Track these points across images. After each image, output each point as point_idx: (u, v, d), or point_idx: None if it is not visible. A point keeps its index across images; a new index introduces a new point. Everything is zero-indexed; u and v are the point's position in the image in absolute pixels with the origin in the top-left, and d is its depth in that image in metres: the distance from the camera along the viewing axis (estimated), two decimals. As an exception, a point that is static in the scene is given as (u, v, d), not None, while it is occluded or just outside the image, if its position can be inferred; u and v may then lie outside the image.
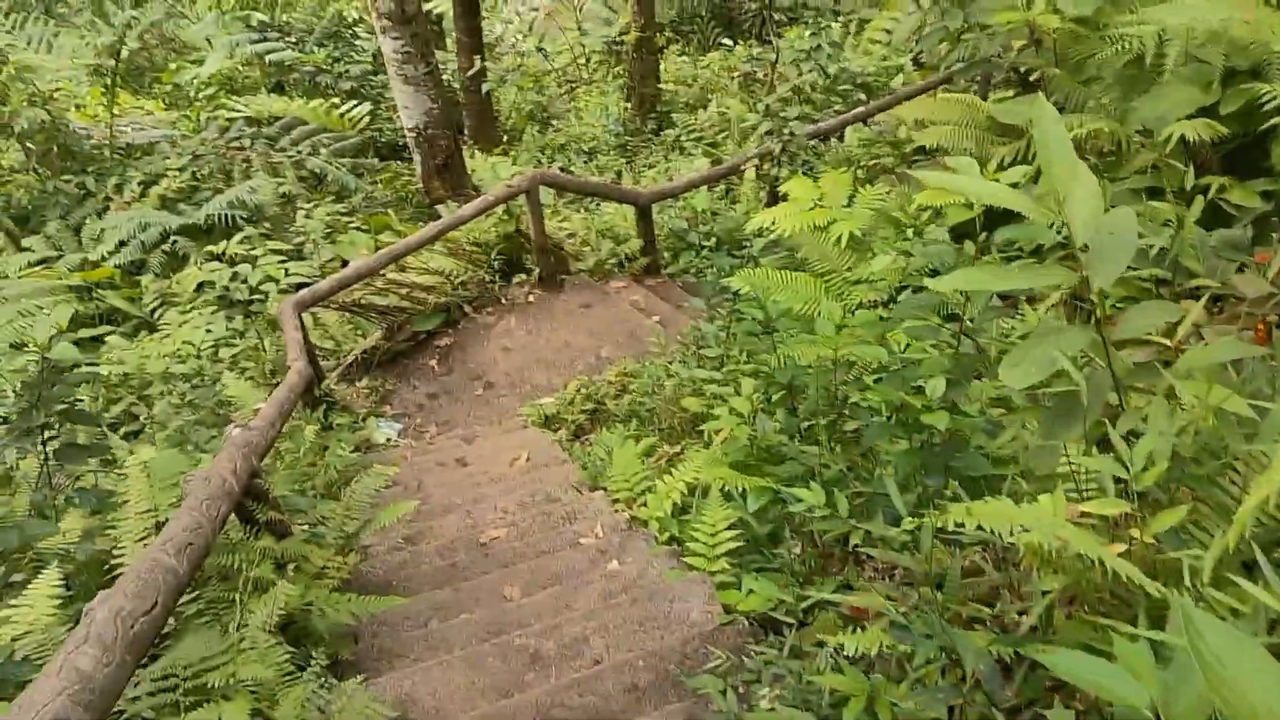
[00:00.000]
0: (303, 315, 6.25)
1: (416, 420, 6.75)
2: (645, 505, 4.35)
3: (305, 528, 4.14)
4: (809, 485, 2.86)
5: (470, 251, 7.68)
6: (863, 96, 11.25)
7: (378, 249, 7.65)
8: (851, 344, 3.22)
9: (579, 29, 15.91)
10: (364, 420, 6.52)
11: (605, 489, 4.81)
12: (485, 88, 11.85)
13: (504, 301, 7.62)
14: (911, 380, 2.91)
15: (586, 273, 7.98)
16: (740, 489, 3.51)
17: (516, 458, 5.64)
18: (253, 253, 8.09)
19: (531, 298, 7.63)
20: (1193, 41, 4.36)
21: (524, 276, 7.79)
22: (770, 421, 3.65)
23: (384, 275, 7.08)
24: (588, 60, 15.25)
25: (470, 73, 11.73)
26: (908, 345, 3.59)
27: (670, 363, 6.15)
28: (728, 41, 13.53)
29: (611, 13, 15.84)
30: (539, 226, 7.33)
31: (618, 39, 12.91)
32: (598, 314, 7.50)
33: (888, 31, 12.43)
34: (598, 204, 10.35)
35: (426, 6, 15.34)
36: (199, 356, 7.10)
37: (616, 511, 4.56)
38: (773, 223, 4.85)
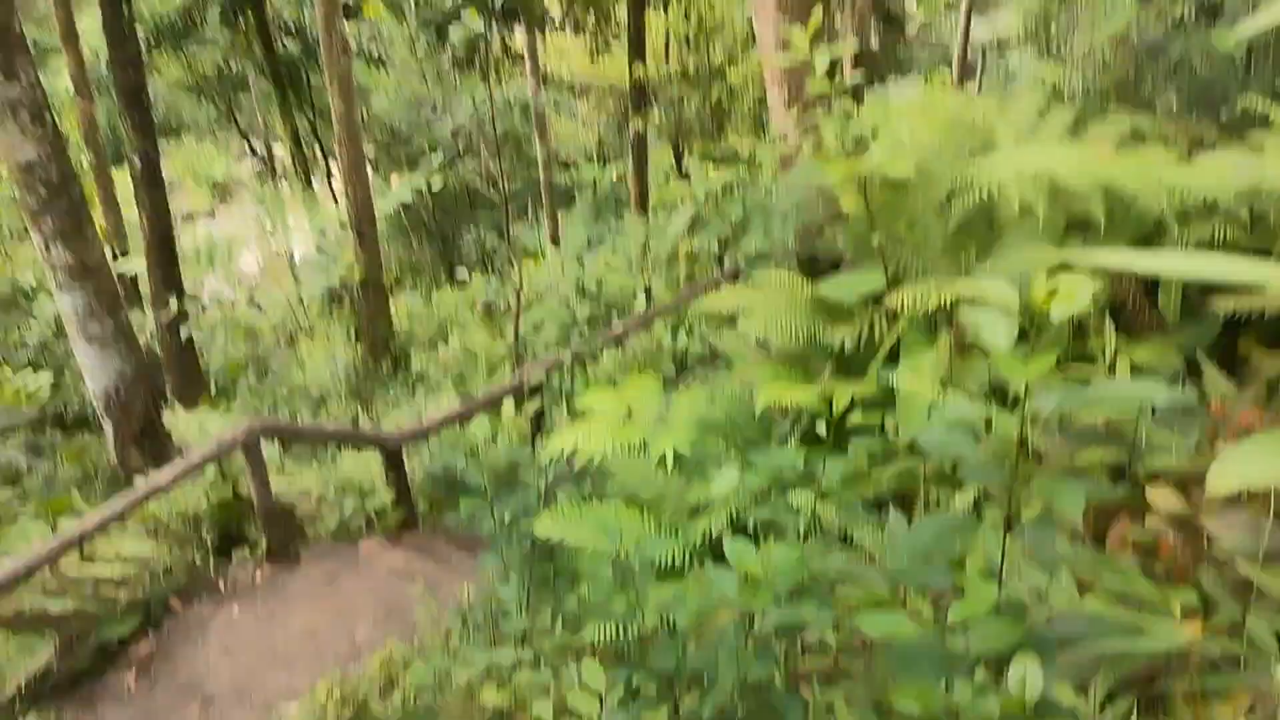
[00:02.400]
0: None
1: (106, 766, 4.99)
2: None
3: None
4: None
5: (176, 529, 6.15)
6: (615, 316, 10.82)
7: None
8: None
9: (294, 278, 14.90)
10: (27, 780, 4.72)
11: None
12: (185, 334, 10.42)
13: (223, 587, 6.07)
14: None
15: (328, 537, 6.60)
16: None
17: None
18: None
19: (259, 577, 6.14)
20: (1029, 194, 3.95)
21: (247, 551, 6.30)
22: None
23: (57, 571, 5.43)
24: (306, 311, 14.20)
25: (167, 322, 10.32)
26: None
27: (448, 641, 4.88)
28: (463, 274, 12.93)
29: (331, 261, 14.99)
30: (263, 488, 5.96)
31: (340, 284, 12.01)
32: (347, 587, 6.10)
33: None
34: (333, 456, 9.05)
35: (119, 267, 13.88)
36: None
37: None
38: (573, 447, 3.85)
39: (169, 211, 10.47)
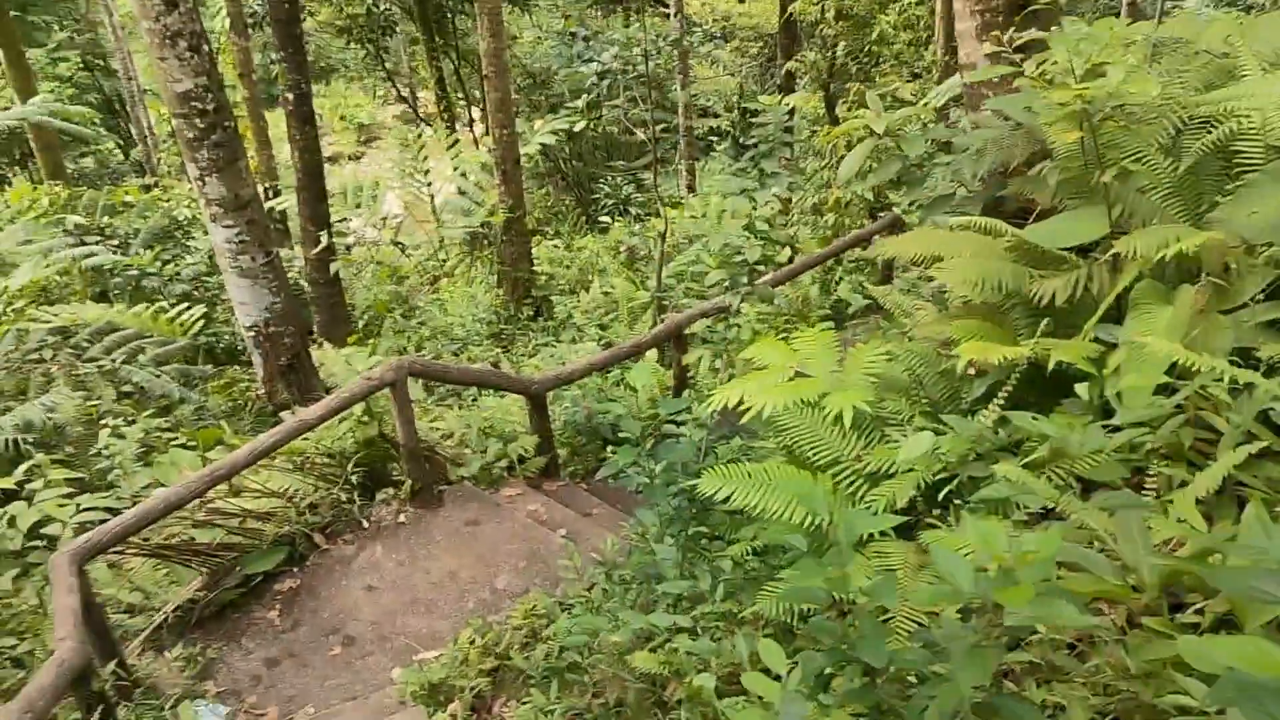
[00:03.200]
0: (84, 569, 4.51)
1: (249, 700, 4.95)
2: None
3: None
4: None
5: (321, 465, 6.09)
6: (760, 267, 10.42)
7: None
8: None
9: (437, 221, 14.90)
10: (175, 707, 4.70)
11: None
12: (333, 270, 10.45)
13: (366, 526, 5.99)
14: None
15: (470, 480, 6.46)
16: None
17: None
18: (32, 486, 6.26)
19: (402, 517, 6.03)
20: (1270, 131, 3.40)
21: (391, 491, 6.19)
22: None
23: (206, 503, 5.42)
24: (447, 254, 14.18)
25: (315, 251, 10.36)
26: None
27: (590, 596, 4.66)
28: (606, 219, 12.65)
29: (474, 204, 14.92)
30: (409, 427, 5.82)
31: (482, 225, 11.89)
32: (488, 532, 5.94)
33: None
34: (474, 399, 8.95)
35: (269, 204, 14.12)
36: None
37: None
38: (738, 400, 3.50)
39: (320, 147, 10.48)
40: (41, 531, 6.05)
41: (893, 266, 9.09)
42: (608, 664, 3.70)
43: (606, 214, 13.82)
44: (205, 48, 7.74)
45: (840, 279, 9.62)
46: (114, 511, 6.15)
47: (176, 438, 8.00)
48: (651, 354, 8.05)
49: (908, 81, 12.28)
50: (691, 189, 18.39)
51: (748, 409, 3.76)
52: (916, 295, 5.21)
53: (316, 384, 9.18)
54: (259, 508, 5.73)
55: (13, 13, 16.88)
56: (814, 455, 3.43)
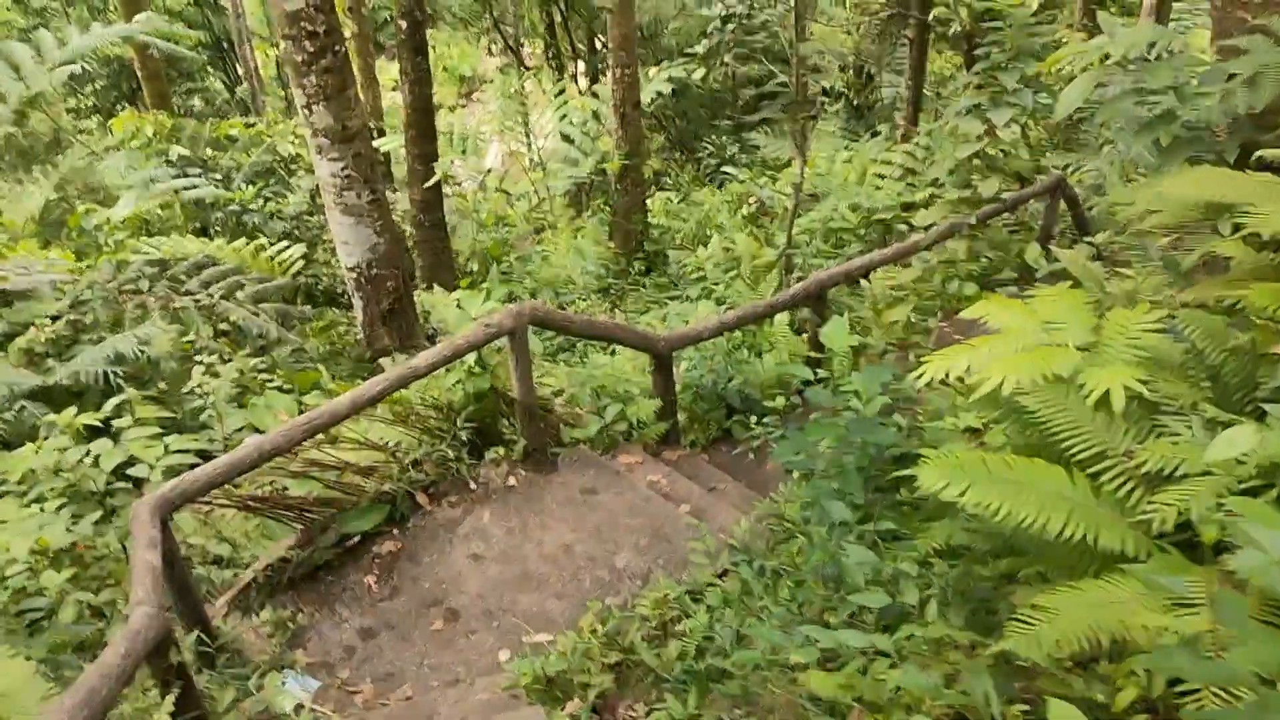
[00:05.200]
0: (169, 521, 4.02)
1: (342, 675, 4.44)
2: None
3: None
4: None
5: (426, 418, 5.54)
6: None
7: (302, 414, 5.39)
8: None
9: (542, 168, 14.32)
10: (262, 678, 4.21)
11: None
12: (448, 206, 9.92)
13: (474, 487, 5.42)
14: None
15: (585, 443, 5.86)
16: None
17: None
18: (120, 423, 5.83)
19: (513, 480, 5.45)
20: None
21: (501, 451, 5.61)
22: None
23: (301, 453, 4.90)
24: (550, 203, 13.61)
25: (427, 185, 9.84)
26: None
27: (724, 586, 4.02)
28: (731, 170, 11.88)
29: (581, 153, 14.29)
30: (526, 381, 5.21)
31: (595, 171, 11.24)
32: (607, 503, 5.33)
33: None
34: (583, 356, 8.37)
35: (375, 143, 13.68)
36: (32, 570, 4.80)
37: None
38: (964, 371, 2.78)
39: (431, 81, 9.93)
40: (127, 472, 5.65)
41: (1053, 228, 8.22)
42: (774, 681, 3.05)
43: (723, 167, 13.04)
44: (319, -35, 7.20)
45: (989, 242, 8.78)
46: (205, 455, 5.72)
47: (272, 379, 7.57)
48: (781, 316, 7.35)
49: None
50: (802, 152, 17.48)
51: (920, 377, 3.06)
52: (1136, 257, 4.38)
53: (418, 331, 8.70)
54: (359, 461, 5.20)
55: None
56: (1068, 447, 2.70)
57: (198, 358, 7.06)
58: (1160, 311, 2.90)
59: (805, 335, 7.16)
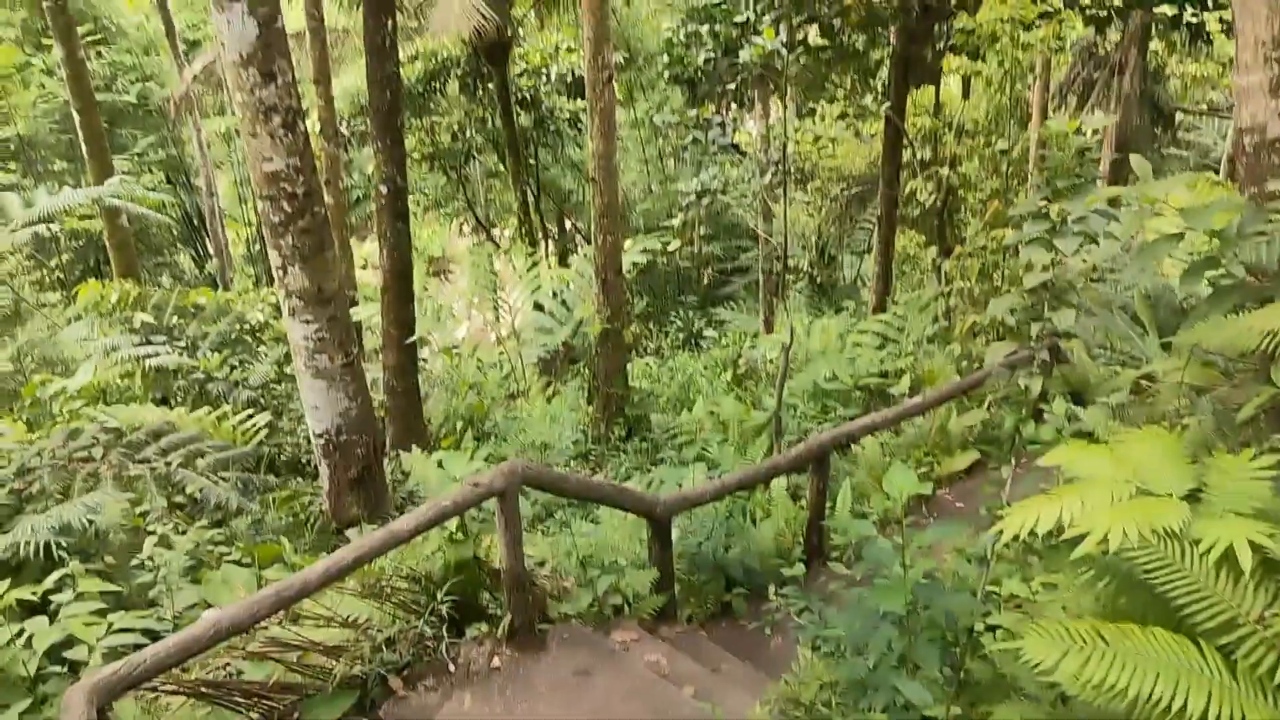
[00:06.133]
0: (107, 710, 3.47)
1: None
2: None
3: None
4: None
5: (401, 590, 5.03)
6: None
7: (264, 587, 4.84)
8: None
9: (516, 337, 14.19)
10: None
11: None
12: (417, 378, 9.60)
13: (453, 669, 4.86)
14: None
15: (576, 619, 5.35)
16: None
17: None
18: (60, 598, 5.25)
19: (497, 661, 4.90)
20: None
21: (484, 628, 5.08)
22: None
23: (262, 631, 4.37)
24: (522, 371, 13.40)
25: (407, 341, 9.52)
26: None
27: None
28: (712, 333, 11.76)
29: (556, 321, 14.21)
30: (515, 548, 4.75)
31: (573, 336, 11.06)
32: (602, 686, 4.79)
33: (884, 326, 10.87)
34: (563, 524, 7.91)
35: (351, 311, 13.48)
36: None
37: None
38: (1058, 524, 2.42)
39: (411, 246, 9.79)
40: (64, 655, 5.04)
41: (1046, 400, 8.00)
42: None
43: (700, 335, 12.95)
44: (300, 126, 7.09)
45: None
46: (152, 635, 5.14)
47: (230, 552, 7.02)
48: (777, 482, 7.00)
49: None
50: (769, 327, 17.64)
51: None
52: (1188, 411, 4.09)
53: (388, 500, 8.23)
54: (326, 640, 4.66)
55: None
56: (1190, 613, 2.30)
57: (150, 528, 6.52)
58: (1272, 457, 2.57)
59: (802, 501, 6.79)
